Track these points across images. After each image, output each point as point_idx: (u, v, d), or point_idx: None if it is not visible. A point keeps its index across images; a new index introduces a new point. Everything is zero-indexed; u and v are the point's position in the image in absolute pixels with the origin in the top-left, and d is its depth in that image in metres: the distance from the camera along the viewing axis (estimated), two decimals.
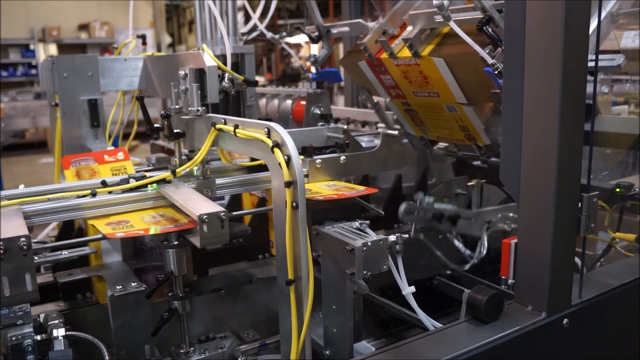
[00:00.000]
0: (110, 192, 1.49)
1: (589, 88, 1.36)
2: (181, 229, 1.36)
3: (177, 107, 1.58)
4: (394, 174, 2.17)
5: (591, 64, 1.35)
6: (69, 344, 1.35)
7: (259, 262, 1.80)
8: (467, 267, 1.95)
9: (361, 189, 1.57)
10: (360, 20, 2.29)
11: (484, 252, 1.89)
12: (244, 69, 2.14)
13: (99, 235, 1.39)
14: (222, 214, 1.26)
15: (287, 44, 2.73)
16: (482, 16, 1.53)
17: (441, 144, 2.26)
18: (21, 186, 1.56)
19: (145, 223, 1.38)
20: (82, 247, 1.56)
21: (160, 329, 1.45)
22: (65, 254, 1.50)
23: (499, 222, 1.93)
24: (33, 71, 12.03)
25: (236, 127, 1.39)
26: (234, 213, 1.63)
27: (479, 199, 2.09)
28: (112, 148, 2.15)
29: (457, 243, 1.96)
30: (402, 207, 1.41)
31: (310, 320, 1.22)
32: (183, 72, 1.62)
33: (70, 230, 1.72)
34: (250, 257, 1.79)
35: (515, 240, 1.46)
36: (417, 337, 1.33)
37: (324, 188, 1.57)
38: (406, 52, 1.88)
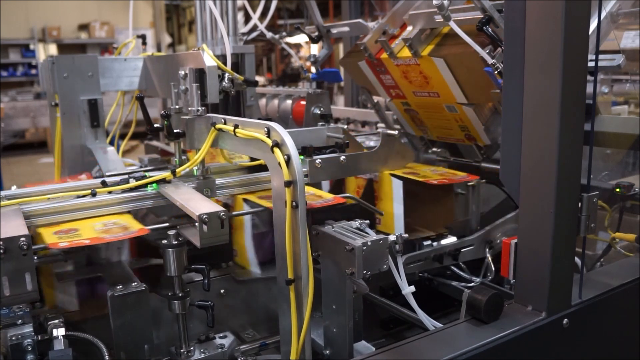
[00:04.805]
0: (110, 192, 1.50)
1: (589, 88, 1.36)
2: (127, 237, 1.34)
3: (177, 107, 1.58)
4: None
5: (591, 64, 1.35)
6: (69, 343, 1.35)
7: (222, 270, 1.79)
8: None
9: (329, 198, 1.56)
10: (360, 20, 2.29)
11: (491, 275, 1.86)
12: (244, 69, 2.14)
13: (42, 245, 1.32)
14: (221, 213, 1.26)
15: (287, 44, 2.73)
16: (482, 16, 1.53)
17: (434, 149, 2.26)
18: (13, 187, 1.55)
19: (95, 231, 1.35)
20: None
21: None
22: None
23: (501, 237, 1.87)
24: (33, 71, 12.02)
25: (236, 127, 1.39)
26: (233, 213, 1.63)
27: (477, 200, 2.09)
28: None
29: (463, 274, 1.91)
30: (403, 258, 1.38)
31: (310, 320, 1.23)
32: (183, 72, 1.62)
33: None
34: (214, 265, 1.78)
35: (515, 240, 1.46)
36: (417, 337, 1.33)
37: None
38: (406, 52, 1.88)
